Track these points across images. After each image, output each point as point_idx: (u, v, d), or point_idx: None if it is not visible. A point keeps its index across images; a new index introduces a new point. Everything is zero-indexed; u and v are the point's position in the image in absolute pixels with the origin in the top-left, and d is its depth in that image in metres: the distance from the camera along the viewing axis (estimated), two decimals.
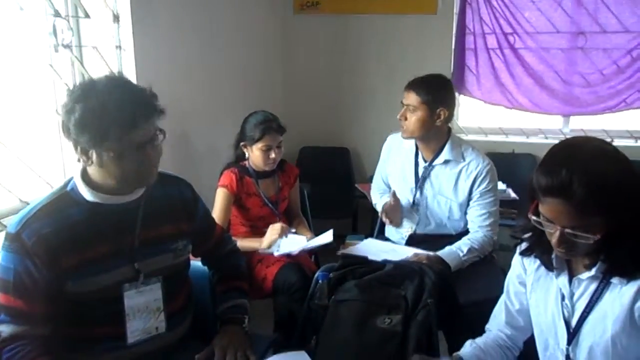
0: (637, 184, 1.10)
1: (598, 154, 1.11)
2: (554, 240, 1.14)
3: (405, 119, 2.09)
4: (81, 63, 2.11)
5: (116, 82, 1.30)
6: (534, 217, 1.17)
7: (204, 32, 2.74)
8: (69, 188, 1.33)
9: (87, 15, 2.12)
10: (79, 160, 1.30)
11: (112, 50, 2.20)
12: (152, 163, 1.33)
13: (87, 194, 1.31)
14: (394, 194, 2.16)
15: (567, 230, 1.10)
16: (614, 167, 1.09)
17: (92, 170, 1.31)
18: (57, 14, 1.96)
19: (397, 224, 2.23)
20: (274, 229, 2.18)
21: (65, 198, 1.32)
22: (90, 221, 1.31)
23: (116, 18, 2.18)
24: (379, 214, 2.20)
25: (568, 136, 3.54)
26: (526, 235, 1.30)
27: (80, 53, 2.14)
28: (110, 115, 1.21)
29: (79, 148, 1.26)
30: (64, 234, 1.27)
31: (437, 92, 2.06)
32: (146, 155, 1.30)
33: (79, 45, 2.14)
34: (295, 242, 2.21)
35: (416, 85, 2.07)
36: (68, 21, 2.00)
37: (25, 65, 1.88)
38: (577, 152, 1.12)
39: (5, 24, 1.83)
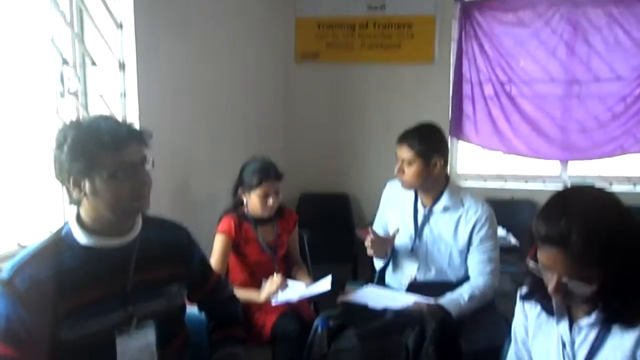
0: (636, 236, 1.09)
1: (598, 204, 1.11)
2: (550, 287, 1.13)
3: (403, 172, 2.09)
4: (86, 110, 2.15)
5: (103, 115, 1.40)
6: (532, 263, 1.16)
7: (208, 81, 2.80)
8: (63, 233, 1.34)
9: (93, 63, 2.18)
10: (71, 202, 1.33)
11: (117, 97, 2.25)
12: (144, 186, 1.33)
13: (81, 237, 1.31)
14: (396, 232, 2.14)
15: (564, 279, 1.10)
16: (614, 219, 1.09)
17: (86, 209, 1.32)
18: (65, 62, 2.02)
19: (376, 256, 2.18)
20: (272, 282, 2.17)
21: (59, 244, 1.32)
22: (84, 266, 1.30)
23: (122, 66, 2.24)
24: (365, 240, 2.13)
25: (567, 182, 3.56)
26: (527, 279, 1.29)
27: (85, 100, 2.19)
28: (101, 136, 1.26)
29: (71, 181, 1.28)
30: (58, 279, 1.26)
31: (430, 142, 2.06)
32: (138, 176, 1.31)
33: (85, 93, 2.19)
34: (293, 290, 2.19)
35: (408, 138, 2.07)
36: (75, 69, 2.05)
37: (31, 110, 1.92)
38: (577, 202, 1.12)
39: (15, 70, 1.88)
